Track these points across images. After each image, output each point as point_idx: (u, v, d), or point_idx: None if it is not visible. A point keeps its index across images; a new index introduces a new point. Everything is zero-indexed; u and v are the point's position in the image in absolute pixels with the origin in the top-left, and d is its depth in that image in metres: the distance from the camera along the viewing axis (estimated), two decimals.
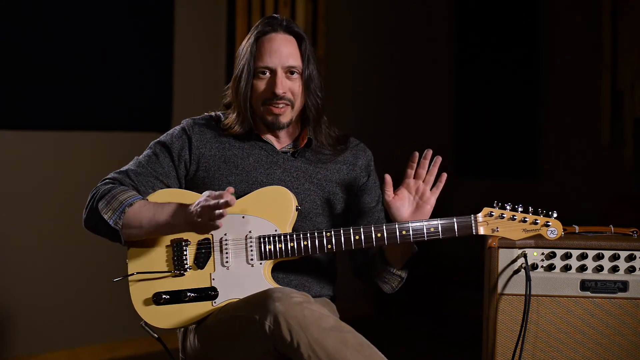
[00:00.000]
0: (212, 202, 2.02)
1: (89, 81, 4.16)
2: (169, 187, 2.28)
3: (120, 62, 4.27)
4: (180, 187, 2.29)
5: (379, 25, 5.55)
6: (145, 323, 2.20)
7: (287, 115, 2.25)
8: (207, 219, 2.04)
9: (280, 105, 2.23)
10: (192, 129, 2.31)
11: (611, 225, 2.39)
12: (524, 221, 2.17)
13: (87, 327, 4.20)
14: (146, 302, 2.19)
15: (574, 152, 4.92)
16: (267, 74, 2.24)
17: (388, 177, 2.23)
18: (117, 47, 4.25)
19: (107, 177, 2.27)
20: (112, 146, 4.16)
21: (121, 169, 2.28)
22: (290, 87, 2.24)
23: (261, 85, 2.24)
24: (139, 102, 4.36)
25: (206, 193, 2.07)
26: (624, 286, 2.30)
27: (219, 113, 2.36)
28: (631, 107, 4.40)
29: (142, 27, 4.35)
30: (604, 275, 2.30)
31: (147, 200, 2.20)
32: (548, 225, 2.18)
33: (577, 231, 2.36)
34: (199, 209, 2.04)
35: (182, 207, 2.11)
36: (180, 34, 4.48)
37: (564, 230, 2.32)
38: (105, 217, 2.15)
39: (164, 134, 2.34)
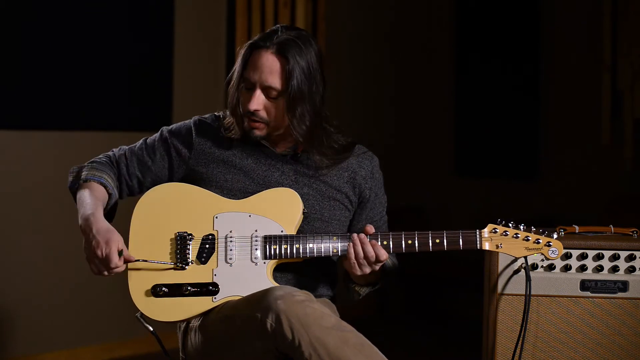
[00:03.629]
0: (110, 265, 2.12)
1: (89, 81, 4.16)
2: (161, 177, 2.32)
3: (120, 62, 4.27)
4: (172, 179, 2.32)
5: (379, 25, 5.55)
6: (141, 315, 2.20)
7: (262, 131, 2.24)
8: (95, 260, 2.15)
9: (255, 120, 2.23)
10: (198, 127, 2.33)
11: (611, 225, 2.39)
12: (527, 240, 2.18)
13: (86, 327, 4.20)
14: (145, 294, 2.19)
15: (574, 152, 4.93)
16: (250, 87, 2.23)
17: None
18: (117, 47, 4.25)
19: (111, 152, 2.44)
20: (112, 146, 4.12)
21: (127, 146, 2.42)
22: (266, 106, 2.21)
23: (243, 97, 2.25)
24: (139, 102, 4.36)
25: (116, 240, 2.12)
26: (624, 286, 2.30)
27: (226, 112, 2.37)
28: (631, 107, 4.40)
29: (142, 27, 4.35)
30: (604, 275, 2.30)
31: (98, 186, 2.27)
32: (549, 245, 2.18)
33: (577, 231, 2.36)
34: (99, 252, 2.13)
35: (90, 223, 2.17)
36: (180, 34, 4.48)
37: (564, 230, 2.33)
38: (69, 179, 2.32)
39: (173, 127, 2.36)
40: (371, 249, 2.14)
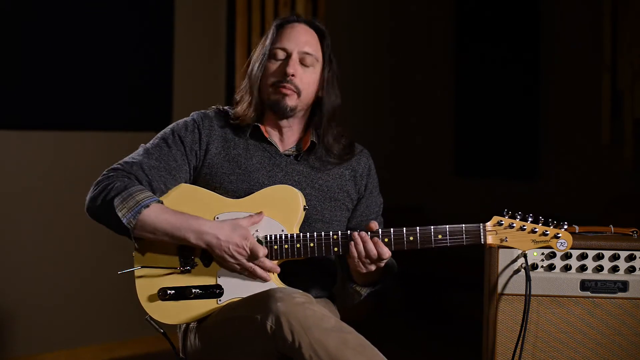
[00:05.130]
0: (259, 272, 2.15)
1: (89, 81, 4.16)
2: (180, 181, 2.24)
3: (120, 61, 4.27)
4: (190, 179, 2.27)
5: (379, 25, 5.55)
6: (151, 317, 2.21)
7: (292, 99, 2.24)
8: (238, 268, 2.14)
9: (287, 88, 2.23)
10: (202, 122, 2.30)
11: (611, 225, 2.39)
12: (534, 232, 2.13)
13: (87, 327, 4.20)
14: (151, 298, 2.19)
15: (574, 152, 4.92)
16: (282, 56, 2.25)
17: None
18: (117, 47, 4.25)
19: (119, 167, 2.19)
20: (112, 146, 4.16)
21: (133, 160, 2.21)
22: (301, 74, 2.24)
23: (273, 66, 2.26)
24: (139, 102, 4.36)
25: (261, 250, 2.13)
26: (624, 286, 2.30)
27: (226, 108, 2.36)
28: (631, 107, 4.40)
29: (142, 27, 4.35)
30: (604, 275, 2.30)
31: (163, 203, 2.15)
32: (558, 237, 2.13)
33: (577, 231, 2.36)
34: (241, 259, 2.13)
35: (205, 230, 2.12)
36: (180, 34, 4.48)
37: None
38: (120, 214, 2.10)
39: (175, 124, 2.31)
40: (373, 247, 2.13)
